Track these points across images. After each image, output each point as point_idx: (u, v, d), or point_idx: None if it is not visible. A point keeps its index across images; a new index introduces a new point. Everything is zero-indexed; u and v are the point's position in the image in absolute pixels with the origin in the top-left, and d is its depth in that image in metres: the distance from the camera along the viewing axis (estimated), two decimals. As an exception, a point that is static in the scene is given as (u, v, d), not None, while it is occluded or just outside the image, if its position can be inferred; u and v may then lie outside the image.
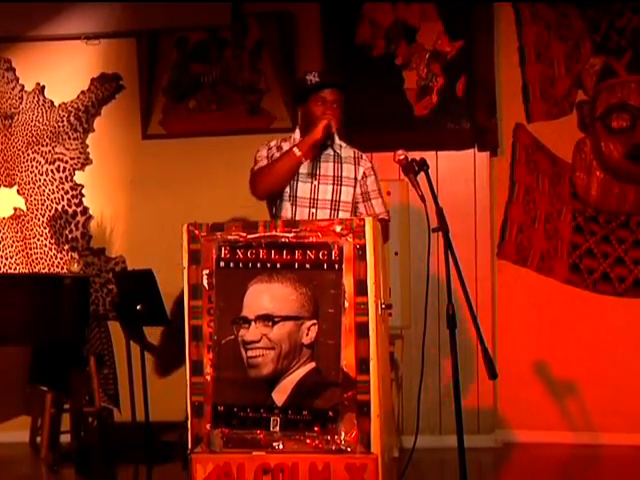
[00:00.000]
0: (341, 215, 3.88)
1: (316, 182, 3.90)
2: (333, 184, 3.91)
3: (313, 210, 3.89)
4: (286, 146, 3.94)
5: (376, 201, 3.97)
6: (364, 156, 4.02)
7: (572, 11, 5.35)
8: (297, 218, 3.85)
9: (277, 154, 3.93)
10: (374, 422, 3.24)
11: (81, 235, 5.75)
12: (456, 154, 5.39)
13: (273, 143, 4.01)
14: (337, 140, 3.94)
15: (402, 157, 3.56)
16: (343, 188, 3.92)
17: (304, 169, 3.89)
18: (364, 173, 3.96)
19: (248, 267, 3.33)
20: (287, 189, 3.90)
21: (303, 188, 3.89)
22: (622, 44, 5.31)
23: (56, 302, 4.98)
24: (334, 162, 3.93)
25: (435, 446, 5.05)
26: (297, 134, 3.99)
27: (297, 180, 3.89)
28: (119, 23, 5.67)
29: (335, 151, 3.94)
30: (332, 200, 3.90)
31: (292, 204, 3.90)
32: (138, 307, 5.11)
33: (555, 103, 5.40)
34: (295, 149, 3.80)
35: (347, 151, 3.98)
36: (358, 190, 3.94)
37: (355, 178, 3.94)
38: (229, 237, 3.35)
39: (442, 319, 3.40)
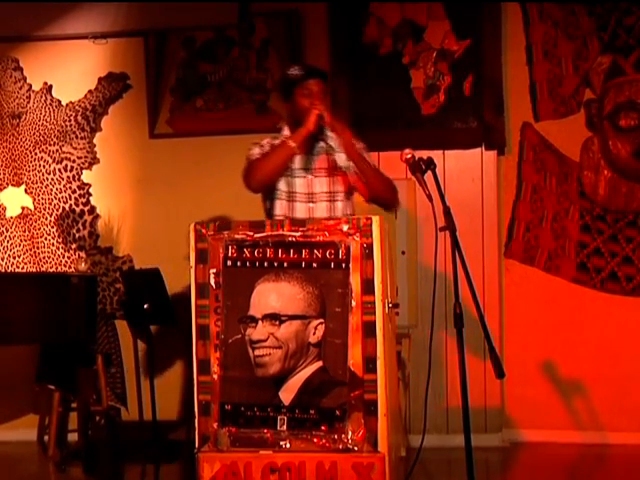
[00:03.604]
0: (339, 205, 3.88)
1: (311, 176, 3.89)
2: (328, 176, 3.89)
3: (311, 205, 3.88)
4: None
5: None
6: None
7: (580, 9, 5.33)
8: (295, 214, 3.84)
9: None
10: (381, 421, 3.24)
11: (88, 234, 5.76)
12: (463, 153, 5.38)
13: (265, 141, 3.97)
14: (327, 132, 3.88)
15: (409, 156, 3.55)
16: (338, 178, 3.89)
17: (298, 164, 3.88)
18: None
19: (255, 266, 3.33)
20: (282, 186, 3.88)
21: (299, 183, 3.88)
22: (630, 42, 5.29)
23: (63, 301, 4.98)
24: (327, 154, 3.89)
25: (442, 445, 5.05)
26: (286, 131, 3.95)
27: (292, 176, 3.88)
28: (126, 22, 5.68)
29: (327, 143, 3.88)
30: (329, 192, 3.89)
31: (289, 200, 3.88)
32: (145, 306, 5.11)
33: (563, 102, 5.38)
34: (289, 141, 3.78)
35: (338, 141, 3.91)
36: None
37: (348, 166, 3.88)
38: (236, 236, 3.36)
39: (449, 318, 3.39)
